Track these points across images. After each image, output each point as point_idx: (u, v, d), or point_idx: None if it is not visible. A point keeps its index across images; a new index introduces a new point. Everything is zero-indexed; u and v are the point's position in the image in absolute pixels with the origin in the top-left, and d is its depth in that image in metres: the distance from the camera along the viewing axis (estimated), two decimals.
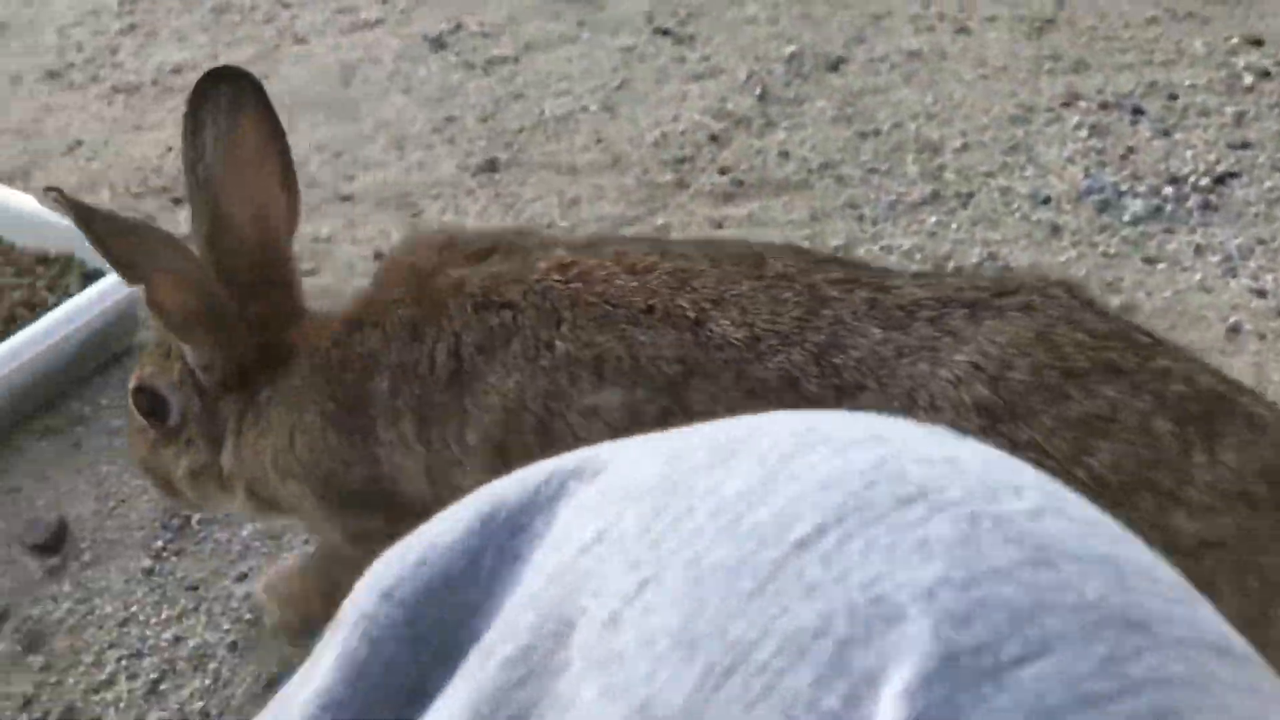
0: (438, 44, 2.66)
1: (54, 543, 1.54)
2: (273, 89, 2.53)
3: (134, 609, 1.48)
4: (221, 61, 2.55)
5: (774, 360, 0.94)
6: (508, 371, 1.00)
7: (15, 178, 2.21)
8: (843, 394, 0.92)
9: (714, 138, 2.33)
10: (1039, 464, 0.91)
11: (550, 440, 0.98)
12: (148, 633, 1.45)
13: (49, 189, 1.10)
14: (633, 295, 0.99)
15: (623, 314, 0.98)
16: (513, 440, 1.01)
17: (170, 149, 2.25)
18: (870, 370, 0.93)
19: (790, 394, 0.93)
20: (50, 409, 1.75)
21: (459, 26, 2.73)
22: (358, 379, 1.09)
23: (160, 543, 1.56)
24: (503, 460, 0.99)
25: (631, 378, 0.96)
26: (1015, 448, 0.87)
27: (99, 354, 1.77)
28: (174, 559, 1.54)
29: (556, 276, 1.02)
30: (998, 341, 0.92)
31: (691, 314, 0.97)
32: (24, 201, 1.87)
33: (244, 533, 1.56)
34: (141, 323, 1.79)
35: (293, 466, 1.14)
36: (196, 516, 1.59)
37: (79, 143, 2.31)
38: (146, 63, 2.58)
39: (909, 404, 0.91)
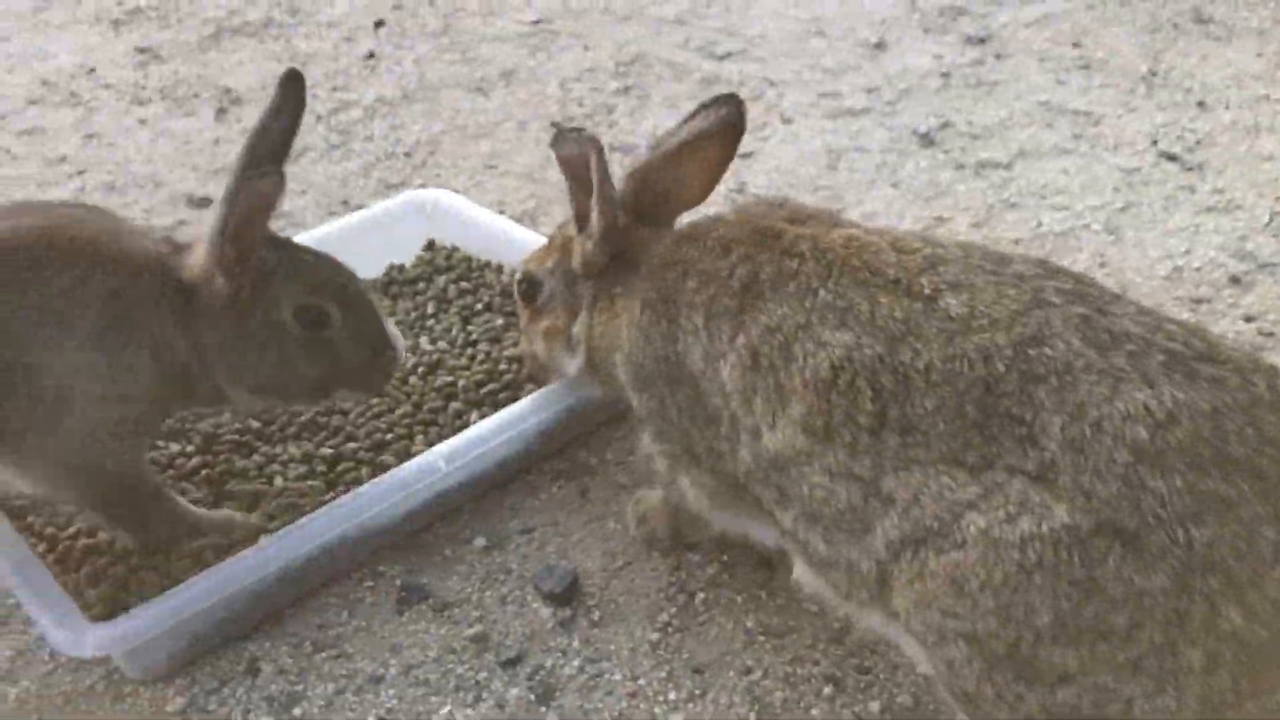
0: (926, 140, 2.60)
1: (567, 594, 1.54)
2: (761, 166, 2.55)
3: (641, 681, 1.44)
4: None
5: (979, 336, 1.12)
6: (781, 301, 1.26)
7: (523, 219, 2.30)
8: (1025, 379, 1.08)
9: (1235, 279, 2.14)
10: (1154, 514, 1.00)
11: (788, 359, 1.23)
12: (656, 711, 1.41)
13: (566, 130, 1.46)
14: (888, 268, 1.23)
15: (877, 280, 1.22)
16: (763, 351, 1.25)
17: None
18: (1056, 371, 1.08)
19: (981, 366, 1.11)
20: (561, 454, 1.78)
21: (947, 124, 2.66)
22: (676, 277, 1.38)
23: (665, 616, 1.52)
24: (753, 363, 1.26)
25: (864, 327, 1.19)
26: (1143, 490, 1.01)
27: (608, 407, 1.78)
28: (679, 635, 1.50)
29: (840, 245, 1.28)
30: (1177, 398, 1.04)
31: (928, 291, 1.18)
32: (538, 242, 1.91)
33: (748, 622, 1.51)
34: None
35: (618, 341, 1.46)
36: (700, 595, 1.55)
37: None
38: (640, 125, 2.65)
39: (1077, 414, 1.05)
